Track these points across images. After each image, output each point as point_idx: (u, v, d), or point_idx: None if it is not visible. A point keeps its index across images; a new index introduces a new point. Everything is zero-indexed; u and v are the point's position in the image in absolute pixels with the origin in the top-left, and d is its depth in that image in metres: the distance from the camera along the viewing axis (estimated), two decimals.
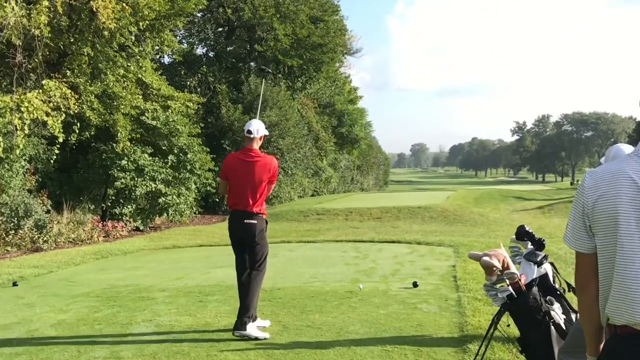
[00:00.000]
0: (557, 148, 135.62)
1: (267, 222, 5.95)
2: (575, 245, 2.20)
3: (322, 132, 38.96)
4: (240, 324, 5.57)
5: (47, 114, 14.66)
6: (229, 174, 5.90)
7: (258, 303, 5.88)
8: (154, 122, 19.12)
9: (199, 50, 34.25)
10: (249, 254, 5.84)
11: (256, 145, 5.89)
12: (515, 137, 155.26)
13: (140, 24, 17.09)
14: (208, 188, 22.12)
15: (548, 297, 4.19)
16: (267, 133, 6.09)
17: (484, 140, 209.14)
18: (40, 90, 14.79)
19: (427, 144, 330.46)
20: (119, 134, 17.47)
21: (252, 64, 33.70)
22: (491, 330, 4.34)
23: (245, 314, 5.61)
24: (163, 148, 19.62)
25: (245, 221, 5.74)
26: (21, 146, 14.58)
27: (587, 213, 2.14)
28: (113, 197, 18.82)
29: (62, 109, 15.27)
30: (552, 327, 4.03)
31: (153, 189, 18.71)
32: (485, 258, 4.16)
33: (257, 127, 5.92)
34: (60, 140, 15.37)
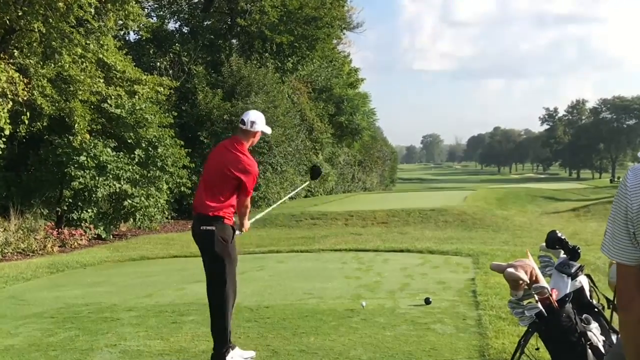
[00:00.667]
0: (594, 139, 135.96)
1: (234, 231, 5.60)
2: (615, 256, 2.19)
3: (317, 122, 38.97)
4: None
5: None
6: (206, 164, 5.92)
7: (232, 326, 5.81)
8: (117, 111, 19.09)
9: (171, 26, 34.24)
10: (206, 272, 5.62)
11: (246, 140, 5.65)
12: (545, 127, 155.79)
13: None
14: (182, 188, 22.07)
15: (584, 316, 4.20)
16: (267, 131, 5.83)
17: (508, 130, 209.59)
18: None
19: (441, 135, 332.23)
20: (76, 124, 17.43)
21: (233, 41, 33.66)
22: (517, 354, 4.35)
23: (219, 349, 5.50)
24: (129, 141, 19.59)
25: (202, 227, 5.44)
26: None
27: (631, 217, 2.13)
28: (70, 200, 18.77)
29: (9, 96, 15.23)
30: (589, 351, 4.04)
31: (117, 190, 18.67)
32: (510, 270, 4.17)
33: (253, 119, 5.65)
34: (7, 132, 15.33)
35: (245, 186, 5.52)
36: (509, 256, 10.66)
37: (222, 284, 5.46)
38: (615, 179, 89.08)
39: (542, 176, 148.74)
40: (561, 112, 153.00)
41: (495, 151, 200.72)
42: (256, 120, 5.65)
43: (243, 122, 5.62)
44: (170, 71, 28.23)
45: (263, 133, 5.80)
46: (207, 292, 5.57)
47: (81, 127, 17.56)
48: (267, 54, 32.60)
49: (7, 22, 16.01)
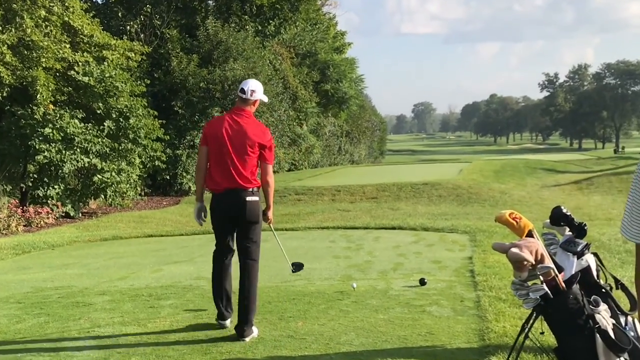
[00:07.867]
0: (597, 106, 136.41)
1: None
2: (633, 236, 2.19)
3: (301, 90, 38.80)
4: (242, 335, 5.84)
5: None
6: (210, 139, 6.06)
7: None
8: (85, 79, 18.91)
9: None
10: (240, 235, 6.06)
11: (250, 109, 6.13)
12: (545, 94, 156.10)
13: None
14: (156, 162, 21.98)
15: (593, 297, 4.20)
16: (265, 100, 6.36)
17: (505, 98, 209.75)
18: None
19: (433, 103, 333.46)
20: (38, 95, 17.23)
21: (209, 2, 33.35)
22: (520, 338, 4.37)
23: (250, 320, 5.90)
24: (98, 112, 19.43)
25: (247, 199, 5.92)
26: None
27: None
28: (35, 175, 18.65)
29: None
30: (597, 335, 4.06)
31: (86, 165, 18.57)
32: (514, 250, 4.16)
33: (253, 88, 6.10)
34: None
35: (271, 153, 6.12)
36: (508, 233, 10.70)
37: (258, 251, 6.10)
38: (620, 150, 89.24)
39: (542, 146, 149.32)
40: (562, 78, 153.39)
41: (492, 120, 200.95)
42: (256, 89, 6.11)
43: (243, 91, 6.04)
44: (142, 35, 27.96)
45: (261, 101, 6.29)
46: (242, 263, 6.03)
47: (44, 97, 17.37)
48: (246, 16, 32.31)
49: None
